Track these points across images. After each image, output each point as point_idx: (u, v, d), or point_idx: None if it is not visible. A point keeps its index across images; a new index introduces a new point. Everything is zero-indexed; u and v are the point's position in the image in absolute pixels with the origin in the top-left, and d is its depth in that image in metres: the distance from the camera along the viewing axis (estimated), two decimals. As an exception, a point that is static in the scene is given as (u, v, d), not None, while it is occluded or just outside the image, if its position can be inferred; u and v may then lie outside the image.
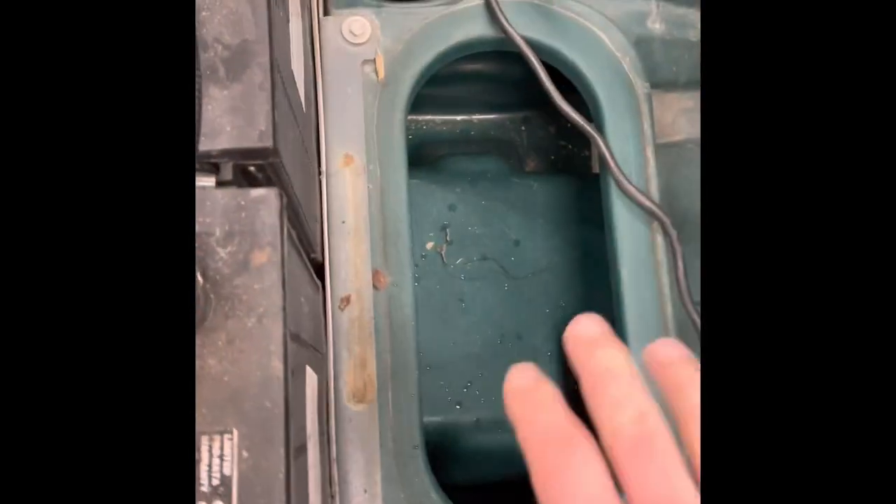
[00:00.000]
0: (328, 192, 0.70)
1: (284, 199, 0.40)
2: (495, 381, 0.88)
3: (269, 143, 0.39)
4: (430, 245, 0.88)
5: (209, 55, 0.39)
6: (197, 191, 0.37)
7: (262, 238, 0.37)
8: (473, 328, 0.87)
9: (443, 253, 0.88)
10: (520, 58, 0.76)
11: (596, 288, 0.89)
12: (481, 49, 0.79)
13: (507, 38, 0.76)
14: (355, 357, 0.68)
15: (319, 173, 0.70)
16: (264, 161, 0.40)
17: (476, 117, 1.06)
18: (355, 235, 0.70)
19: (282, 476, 0.34)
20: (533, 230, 0.92)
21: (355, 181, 0.71)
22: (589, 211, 0.91)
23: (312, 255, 0.65)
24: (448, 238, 0.89)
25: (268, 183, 0.43)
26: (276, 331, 0.36)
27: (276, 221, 0.38)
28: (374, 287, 0.70)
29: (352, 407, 0.67)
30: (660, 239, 0.75)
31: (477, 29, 0.77)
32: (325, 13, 0.76)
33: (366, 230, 0.71)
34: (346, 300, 0.69)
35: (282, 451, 0.34)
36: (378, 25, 0.75)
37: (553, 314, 0.90)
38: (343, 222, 0.70)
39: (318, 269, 0.68)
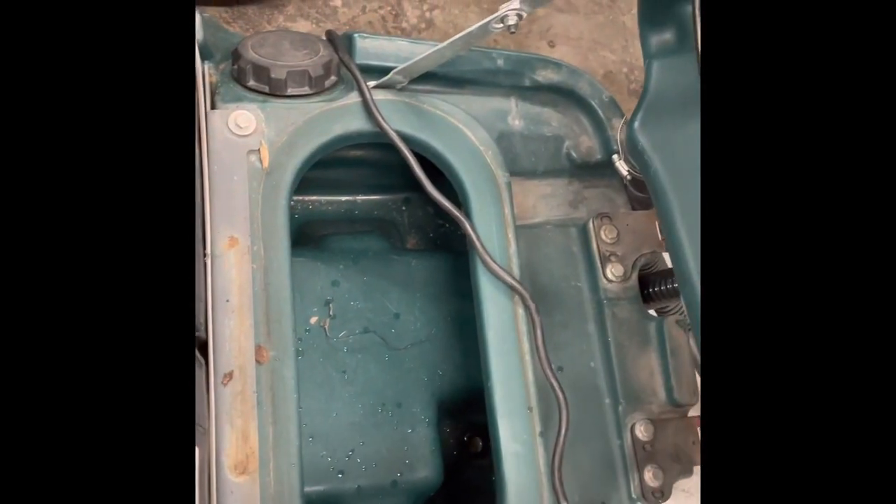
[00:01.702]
0: (213, 272, 0.74)
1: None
2: (376, 448, 0.93)
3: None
4: (314, 320, 0.93)
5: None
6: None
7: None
8: (355, 398, 0.92)
9: (326, 327, 0.93)
10: (396, 148, 0.84)
11: (471, 357, 0.97)
12: (360, 141, 0.87)
13: (383, 132, 0.84)
14: (237, 430, 0.72)
15: (205, 255, 0.74)
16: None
17: (360, 198, 1.13)
18: (239, 313, 0.75)
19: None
20: (412, 304, 0.98)
21: (240, 262, 0.76)
22: (464, 285, 0.99)
23: (197, 334, 0.68)
24: (331, 312, 0.94)
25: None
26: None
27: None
28: (258, 362, 0.75)
29: (233, 478, 0.70)
30: (520, 311, 0.84)
31: (355, 123, 0.85)
32: (213, 107, 0.82)
33: (249, 308, 0.75)
34: (230, 375, 0.73)
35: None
36: (263, 118, 0.82)
37: (431, 382, 0.96)
38: (227, 301, 0.74)
39: (203, 347, 0.72)
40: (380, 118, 0.84)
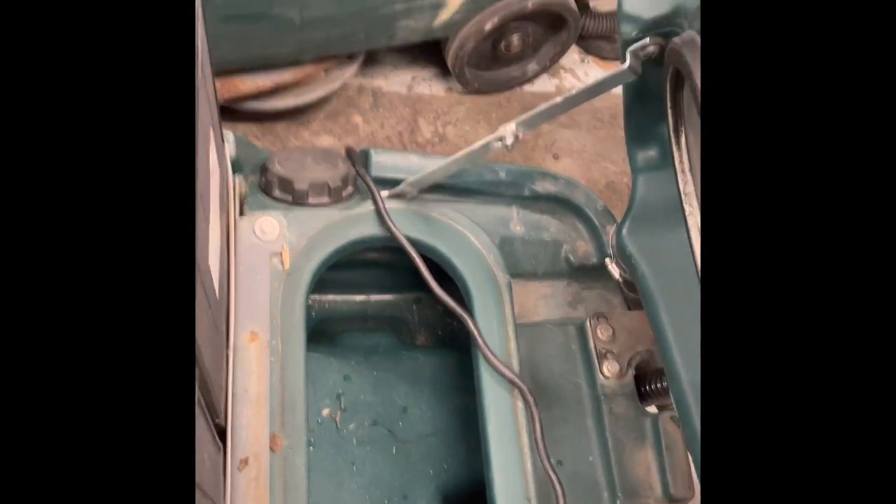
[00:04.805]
0: (234, 364, 0.81)
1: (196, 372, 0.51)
2: None
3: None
4: (325, 412, 0.98)
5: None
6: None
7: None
8: (363, 489, 0.95)
9: (337, 419, 0.98)
10: (406, 252, 0.92)
11: (475, 451, 1.00)
12: (373, 245, 0.96)
13: (394, 238, 0.93)
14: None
15: (227, 348, 0.81)
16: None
17: (373, 297, 1.21)
18: (256, 403, 0.81)
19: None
20: (420, 398, 1.03)
21: (259, 355, 0.83)
22: (469, 381, 1.04)
23: (217, 420, 0.74)
24: (343, 405, 0.99)
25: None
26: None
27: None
28: (272, 450, 0.80)
29: (244, 563, 0.74)
30: (520, 404, 0.88)
31: (369, 229, 0.94)
32: (241, 213, 0.91)
33: (266, 398, 0.81)
34: (245, 461, 0.78)
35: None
36: (285, 224, 0.91)
37: (437, 476, 1.00)
38: (246, 391, 0.80)
39: (222, 433, 0.77)
40: (391, 225, 0.92)
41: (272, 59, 1.54)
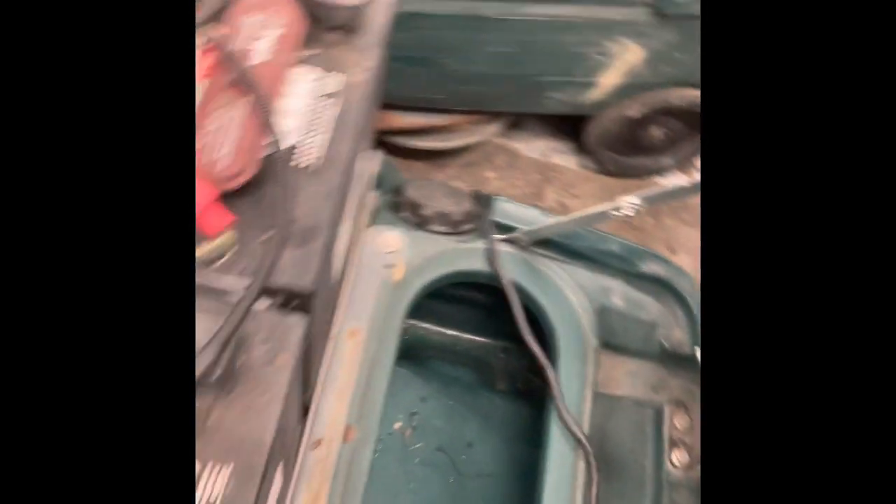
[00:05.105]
0: (333, 351, 0.88)
1: (306, 328, 0.58)
2: None
3: (310, 289, 0.58)
4: (397, 425, 1.04)
5: (294, 228, 0.60)
6: (255, 309, 0.56)
7: (287, 348, 0.55)
8: (414, 507, 0.99)
9: (406, 435, 1.03)
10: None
11: (529, 501, 1.02)
12: (476, 279, 1.02)
13: (497, 276, 0.98)
14: (312, 491, 0.81)
15: (328, 337, 0.89)
16: (303, 300, 0.59)
17: (465, 336, 1.26)
18: (341, 393, 0.87)
19: (252, 497, 0.48)
20: (487, 438, 1.07)
21: (355, 350, 0.90)
22: (537, 437, 1.06)
23: (306, 395, 0.81)
24: (413, 424, 1.04)
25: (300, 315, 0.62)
26: (276, 409, 0.53)
27: (299, 341, 0.57)
28: (344, 439, 0.86)
29: (294, 533, 0.79)
30: (581, 464, 0.90)
31: (476, 264, 1.00)
32: (370, 224, 1.00)
33: (350, 391, 0.88)
34: (319, 442, 0.84)
35: (258, 481, 0.49)
36: (406, 243, 0.99)
37: (485, 516, 1.02)
38: (335, 379, 0.87)
39: (306, 411, 0.84)
40: (498, 265, 0.98)
41: (427, 103, 1.67)
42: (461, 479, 1.03)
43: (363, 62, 0.68)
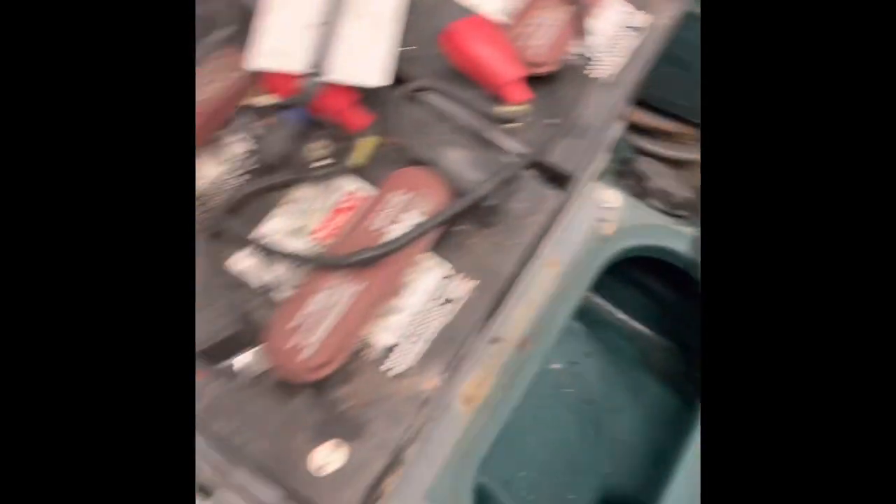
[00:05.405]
0: (532, 275, 0.97)
1: (559, 203, 0.67)
2: (540, 482, 1.02)
3: (571, 173, 0.67)
4: (555, 366, 1.10)
5: (575, 121, 0.69)
6: (524, 174, 0.66)
7: (541, 211, 0.65)
8: (546, 449, 1.04)
9: (562, 377, 1.10)
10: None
11: (652, 487, 1.05)
12: (675, 262, 1.06)
13: (697, 266, 1.02)
14: (485, 370, 0.91)
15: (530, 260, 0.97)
16: (562, 181, 0.68)
17: (632, 323, 1.30)
18: (530, 307, 0.95)
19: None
20: (634, 413, 1.10)
21: (550, 277, 0.98)
22: (683, 426, 1.09)
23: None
24: (573, 371, 1.11)
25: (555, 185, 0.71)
26: (517, 254, 0.63)
27: (550, 210, 0.66)
28: (520, 346, 0.94)
29: (456, 404, 0.89)
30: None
31: (682, 247, 1.05)
32: (597, 179, 1.07)
33: (537, 309, 0.96)
34: (497, 339, 0.93)
35: (489, 302, 0.59)
36: (626, 206, 1.05)
37: (607, 479, 1.06)
38: (526, 294, 0.96)
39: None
40: (698, 256, 1.02)
41: (673, 108, 1.61)
42: (599, 436, 1.07)
43: (669, 10, 0.76)
